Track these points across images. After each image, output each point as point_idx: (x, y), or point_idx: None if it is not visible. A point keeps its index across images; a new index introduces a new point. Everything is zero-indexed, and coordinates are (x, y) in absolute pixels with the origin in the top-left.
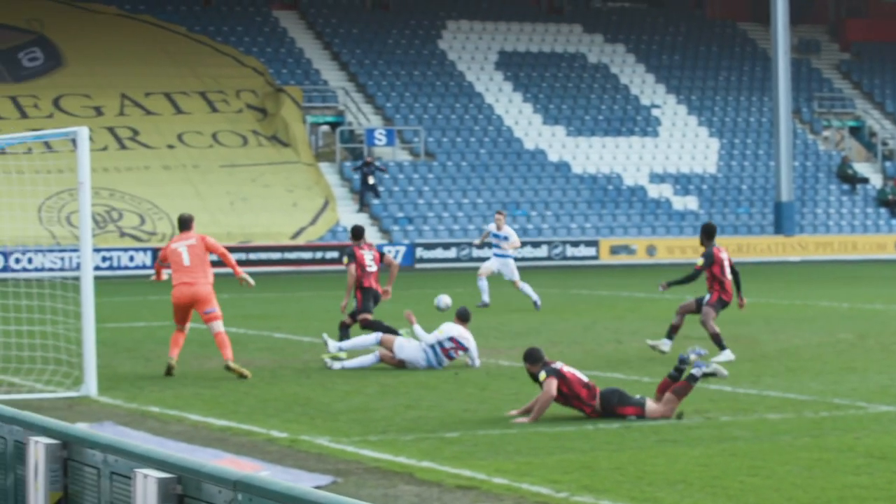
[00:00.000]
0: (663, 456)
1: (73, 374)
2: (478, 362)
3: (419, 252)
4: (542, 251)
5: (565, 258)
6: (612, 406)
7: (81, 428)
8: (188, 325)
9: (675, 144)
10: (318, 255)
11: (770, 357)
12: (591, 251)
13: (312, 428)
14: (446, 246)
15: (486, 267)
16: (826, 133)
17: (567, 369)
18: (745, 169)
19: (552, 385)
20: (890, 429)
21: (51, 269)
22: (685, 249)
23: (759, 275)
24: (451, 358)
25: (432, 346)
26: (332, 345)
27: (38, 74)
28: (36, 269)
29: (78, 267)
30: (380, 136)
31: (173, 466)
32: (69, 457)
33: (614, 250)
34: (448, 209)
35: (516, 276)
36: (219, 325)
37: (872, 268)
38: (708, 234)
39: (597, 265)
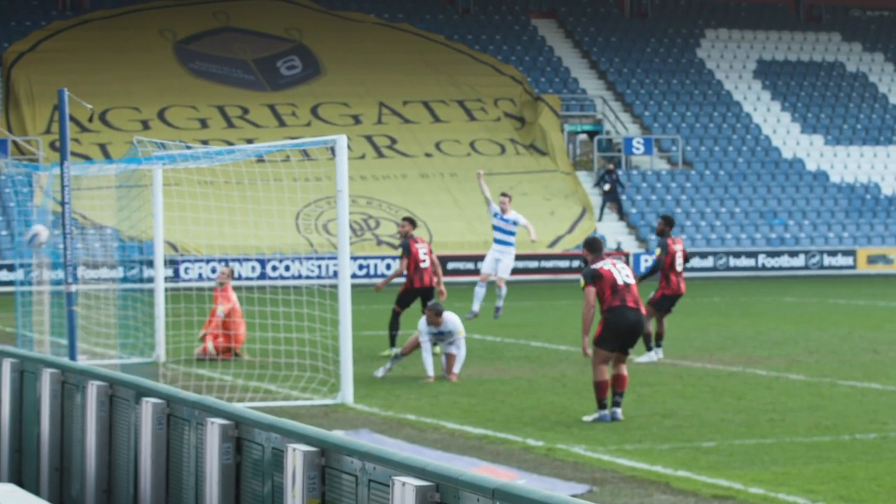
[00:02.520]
0: None
1: (330, 382)
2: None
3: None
4: (800, 260)
5: (822, 267)
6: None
7: (338, 435)
8: None
9: None
10: (576, 263)
11: None
12: (848, 260)
13: (568, 436)
14: (703, 255)
15: (488, 267)
16: None
17: (607, 267)
18: None
19: (590, 295)
20: None
21: (307, 277)
22: None
23: None
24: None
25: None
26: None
27: (297, 83)
28: (293, 277)
29: (335, 275)
30: (637, 144)
31: (431, 474)
32: (327, 464)
33: (872, 260)
34: (705, 218)
35: (508, 273)
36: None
37: None
38: (669, 223)
39: (854, 275)
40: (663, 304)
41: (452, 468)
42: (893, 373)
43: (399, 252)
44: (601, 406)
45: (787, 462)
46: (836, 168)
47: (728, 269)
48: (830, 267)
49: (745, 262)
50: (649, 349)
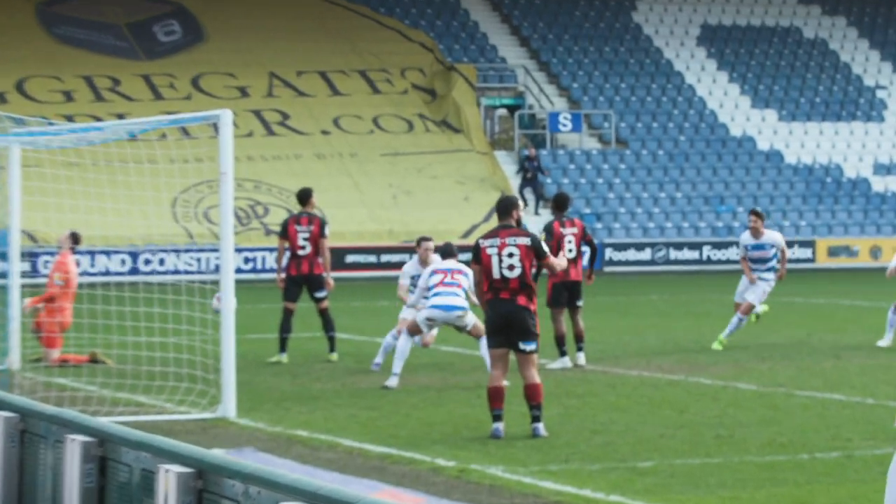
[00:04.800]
0: None
1: (210, 393)
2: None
3: (609, 253)
4: None
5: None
6: None
7: (218, 455)
8: None
9: None
10: None
11: None
12: (806, 253)
13: (484, 455)
14: (640, 247)
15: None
16: None
17: (490, 252)
18: None
19: (475, 274)
20: None
21: (186, 272)
22: None
23: None
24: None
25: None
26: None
27: (176, 50)
28: (169, 272)
29: (217, 269)
30: (564, 120)
31: (325, 499)
32: (204, 488)
33: (833, 252)
34: (642, 204)
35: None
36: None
37: None
38: (557, 204)
39: (813, 269)
40: (554, 297)
41: (350, 493)
42: (858, 382)
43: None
44: (494, 418)
45: (736, 485)
46: (792, 147)
47: (668, 262)
48: (786, 260)
49: (687, 254)
50: (576, 351)
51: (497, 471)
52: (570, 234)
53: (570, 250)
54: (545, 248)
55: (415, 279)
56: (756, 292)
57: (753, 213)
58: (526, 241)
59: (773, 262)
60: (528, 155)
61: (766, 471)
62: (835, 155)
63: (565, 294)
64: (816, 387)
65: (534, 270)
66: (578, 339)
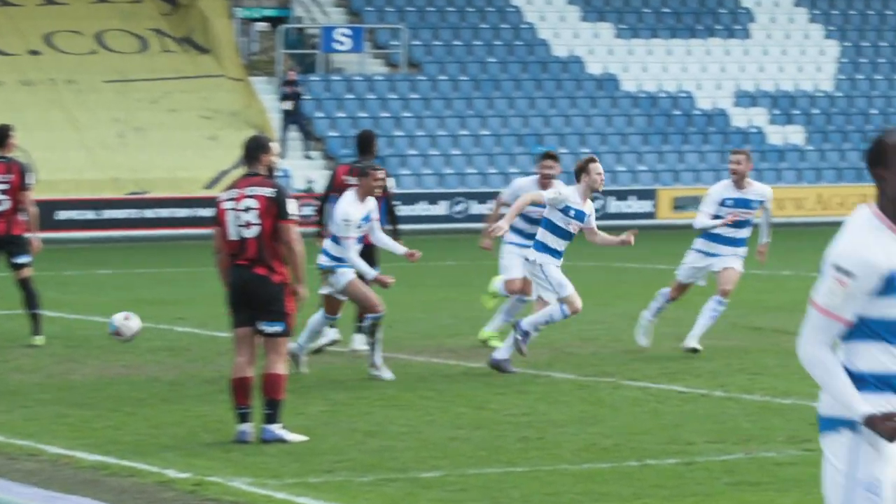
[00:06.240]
0: None
1: None
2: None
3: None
4: None
5: (608, 216)
6: None
7: None
8: None
9: (775, 50)
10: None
11: None
12: (645, 205)
13: (226, 464)
14: (433, 198)
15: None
16: None
17: (227, 205)
18: (878, 86)
19: (215, 239)
20: None
21: None
22: (784, 203)
23: None
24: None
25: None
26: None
27: None
28: None
29: None
30: (342, 38)
31: None
32: None
33: (679, 204)
34: (438, 145)
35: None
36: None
37: None
38: (361, 145)
39: (653, 225)
40: None
41: None
42: (704, 369)
43: None
44: (239, 418)
45: (545, 500)
46: (632, 71)
47: (469, 218)
48: (619, 215)
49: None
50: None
51: (242, 484)
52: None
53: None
54: (290, 207)
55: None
56: (731, 277)
57: (738, 152)
58: (268, 192)
59: (748, 231)
60: (290, 78)
61: (584, 482)
62: (685, 81)
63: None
64: (651, 376)
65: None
66: (360, 317)
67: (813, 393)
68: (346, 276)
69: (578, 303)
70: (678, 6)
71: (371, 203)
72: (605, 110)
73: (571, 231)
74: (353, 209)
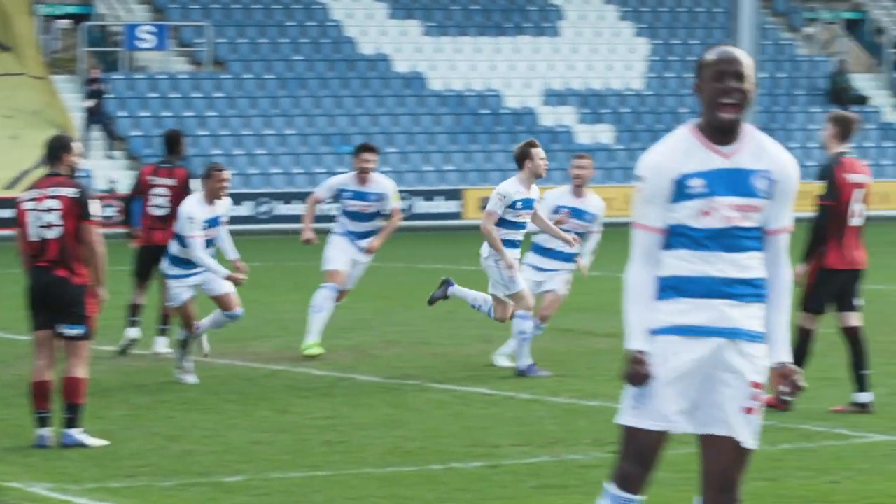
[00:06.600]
0: None
1: None
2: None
3: None
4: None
5: (414, 216)
6: None
7: None
8: None
9: (584, 48)
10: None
11: None
12: (453, 206)
13: (25, 470)
14: (237, 199)
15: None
16: (809, 30)
17: (28, 206)
18: (687, 84)
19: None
20: (883, 468)
21: None
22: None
23: None
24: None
25: None
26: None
27: None
28: None
29: None
30: (145, 35)
31: None
32: None
33: (487, 204)
34: (243, 144)
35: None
36: None
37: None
38: (168, 145)
39: (461, 226)
40: (138, 265)
41: None
42: (511, 371)
43: None
44: (38, 422)
45: (350, 503)
46: (439, 69)
47: (274, 219)
48: (426, 215)
49: (299, 208)
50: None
51: (41, 489)
52: (163, 186)
53: (160, 206)
54: (93, 208)
55: None
56: (554, 302)
57: (583, 157)
58: (71, 192)
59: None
60: (91, 77)
61: (389, 485)
62: (493, 79)
63: (151, 261)
64: (457, 378)
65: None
66: (164, 319)
67: (619, 395)
68: (181, 294)
69: (530, 301)
70: (487, 3)
71: (221, 206)
72: (412, 109)
73: (524, 221)
74: (197, 209)
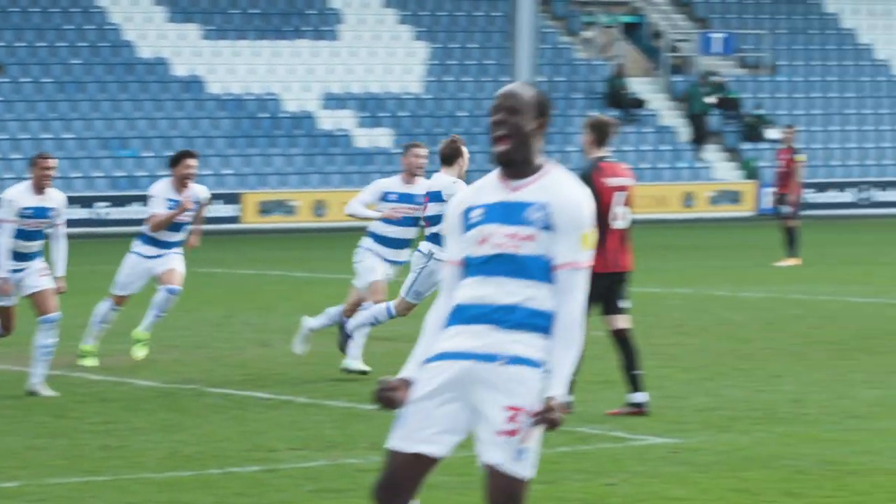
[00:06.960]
0: None
1: None
2: None
3: None
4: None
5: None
6: None
7: None
8: None
9: (363, 52)
10: None
11: None
12: (230, 210)
13: None
14: None
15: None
16: (588, 34)
17: None
18: (466, 88)
19: None
20: (659, 471)
21: None
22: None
23: None
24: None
25: None
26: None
27: None
28: None
29: None
30: None
31: None
32: None
33: (265, 209)
34: (21, 149)
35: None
36: None
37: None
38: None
39: (238, 230)
40: None
41: None
42: (289, 375)
43: None
44: None
45: None
46: (218, 73)
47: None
48: (208, 219)
49: (77, 213)
50: None
51: None
52: None
53: None
54: None
55: None
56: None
57: (420, 146)
58: None
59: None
60: None
61: (167, 490)
62: (272, 83)
63: None
64: (235, 383)
65: None
66: None
67: None
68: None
69: (379, 296)
70: (266, 7)
71: (52, 199)
72: (190, 112)
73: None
74: (21, 195)
